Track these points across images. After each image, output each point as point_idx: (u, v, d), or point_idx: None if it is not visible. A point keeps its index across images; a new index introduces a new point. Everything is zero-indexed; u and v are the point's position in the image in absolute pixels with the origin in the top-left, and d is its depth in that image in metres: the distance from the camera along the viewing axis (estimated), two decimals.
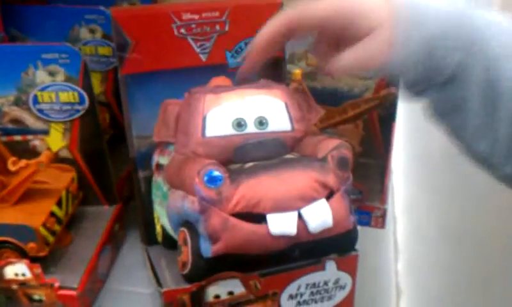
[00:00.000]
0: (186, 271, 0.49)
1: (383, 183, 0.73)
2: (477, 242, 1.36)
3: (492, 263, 1.29)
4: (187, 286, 0.49)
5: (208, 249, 0.47)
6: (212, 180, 0.47)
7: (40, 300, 0.57)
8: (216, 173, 0.47)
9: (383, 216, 0.71)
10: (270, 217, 0.46)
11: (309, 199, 0.48)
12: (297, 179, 0.48)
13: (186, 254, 0.49)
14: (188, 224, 0.49)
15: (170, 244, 0.57)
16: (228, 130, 0.52)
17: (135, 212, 0.64)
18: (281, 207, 0.47)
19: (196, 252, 0.48)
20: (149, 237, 0.62)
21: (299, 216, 0.47)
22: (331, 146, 0.51)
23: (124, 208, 0.70)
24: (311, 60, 0.75)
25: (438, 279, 1.27)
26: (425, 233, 1.42)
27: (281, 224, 0.46)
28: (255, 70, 0.54)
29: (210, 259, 0.47)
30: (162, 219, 0.57)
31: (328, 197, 0.49)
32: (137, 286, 0.62)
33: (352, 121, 0.75)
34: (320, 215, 0.47)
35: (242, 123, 0.52)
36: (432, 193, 1.57)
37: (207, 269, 0.48)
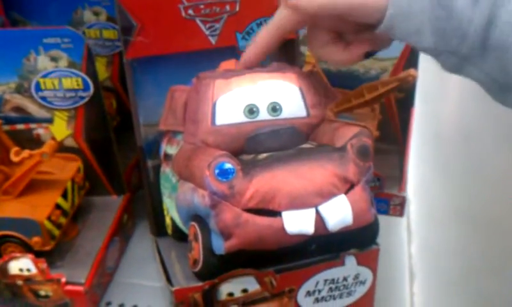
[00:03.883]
0: (197, 269, 0.47)
1: (401, 170, 0.70)
2: (490, 224, 1.34)
3: (505, 245, 1.27)
4: (199, 284, 0.47)
5: (220, 246, 0.44)
6: (224, 173, 0.44)
7: (47, 296, 0.55)
8: (228, 166, 0.44)
9: (402, 204, 0.68)
10: (286, 215, 0.43)
11: (327, 196, 0.44)
12: (314, 173, 0.45)
13: (197, 250, 0.46)
14: (198, 218, 0.47)
15: (180, 236, 0.54)
16: (240, 117, 0.49)
17: (144, 201, 0.61)
18: (297, 204, 0.43)
19: (208, 248, 0.45)
20: (159, 228, 0.60)
21: (317, 212, 0.44)
22: (350, 133, 0.47)
23: (132, 197, 0.68)
24: None
25: (451, 261, 1.25)
26: (439, 216, 1.40)
27: (298, 223, 0.43)
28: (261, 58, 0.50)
29: (222, 256, 0.45)
30: (172, 211, 0.54)
31: (348, 190, 0.46)
32: (147, 279, 0.60)
33: (369, 105, 0.72)
34: (339, 213, 0.44)
35: (255, 109, 0.49)
36: (445, 175, 1.54)
37: (220, 267, 0.45)
